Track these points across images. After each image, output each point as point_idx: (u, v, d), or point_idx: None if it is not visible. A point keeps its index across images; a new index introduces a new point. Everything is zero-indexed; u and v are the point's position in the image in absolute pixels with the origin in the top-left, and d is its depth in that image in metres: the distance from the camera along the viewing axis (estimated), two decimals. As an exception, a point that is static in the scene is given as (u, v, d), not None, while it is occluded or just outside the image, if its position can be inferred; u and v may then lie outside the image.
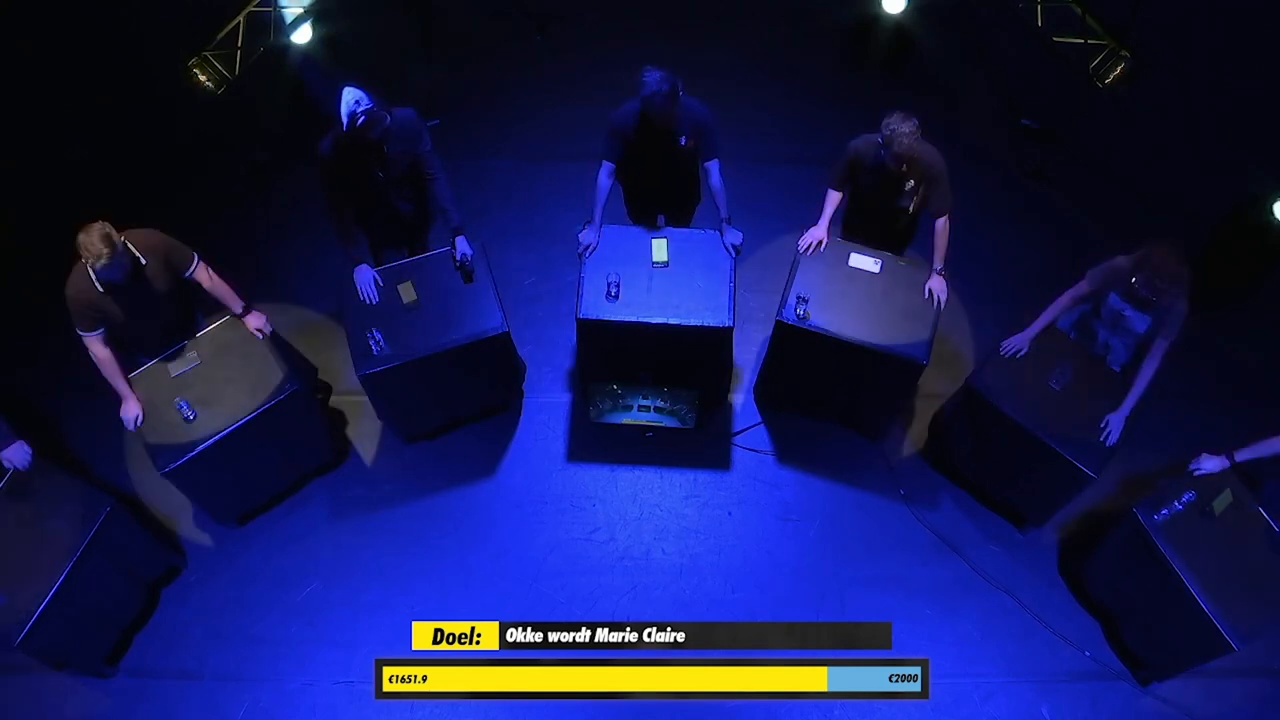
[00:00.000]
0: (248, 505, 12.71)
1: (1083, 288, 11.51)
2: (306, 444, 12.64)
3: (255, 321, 11.88)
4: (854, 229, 12.69)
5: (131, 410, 11.38)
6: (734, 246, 12.21)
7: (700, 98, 11.66)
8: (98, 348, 11.08)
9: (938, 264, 12.06)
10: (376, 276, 11.99)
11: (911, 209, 12.15)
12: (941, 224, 12.03)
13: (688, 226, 12.86)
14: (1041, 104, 15.77)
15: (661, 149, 11.85)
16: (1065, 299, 11.68)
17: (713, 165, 11.99)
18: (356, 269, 11.94)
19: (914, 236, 12.74)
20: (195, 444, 11.26)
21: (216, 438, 11.32)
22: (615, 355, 12.56)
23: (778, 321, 12.03)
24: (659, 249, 12.23)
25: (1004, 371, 11.80)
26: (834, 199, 12.31)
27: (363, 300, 11.92)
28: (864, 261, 12.23)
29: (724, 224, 12.22)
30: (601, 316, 11.95)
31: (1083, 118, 15.14)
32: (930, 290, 12.03)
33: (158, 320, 11.47)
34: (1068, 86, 14.84)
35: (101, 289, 10.76)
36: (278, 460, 12.43)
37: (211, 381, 11.58)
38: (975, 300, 14.11)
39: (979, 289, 14.21)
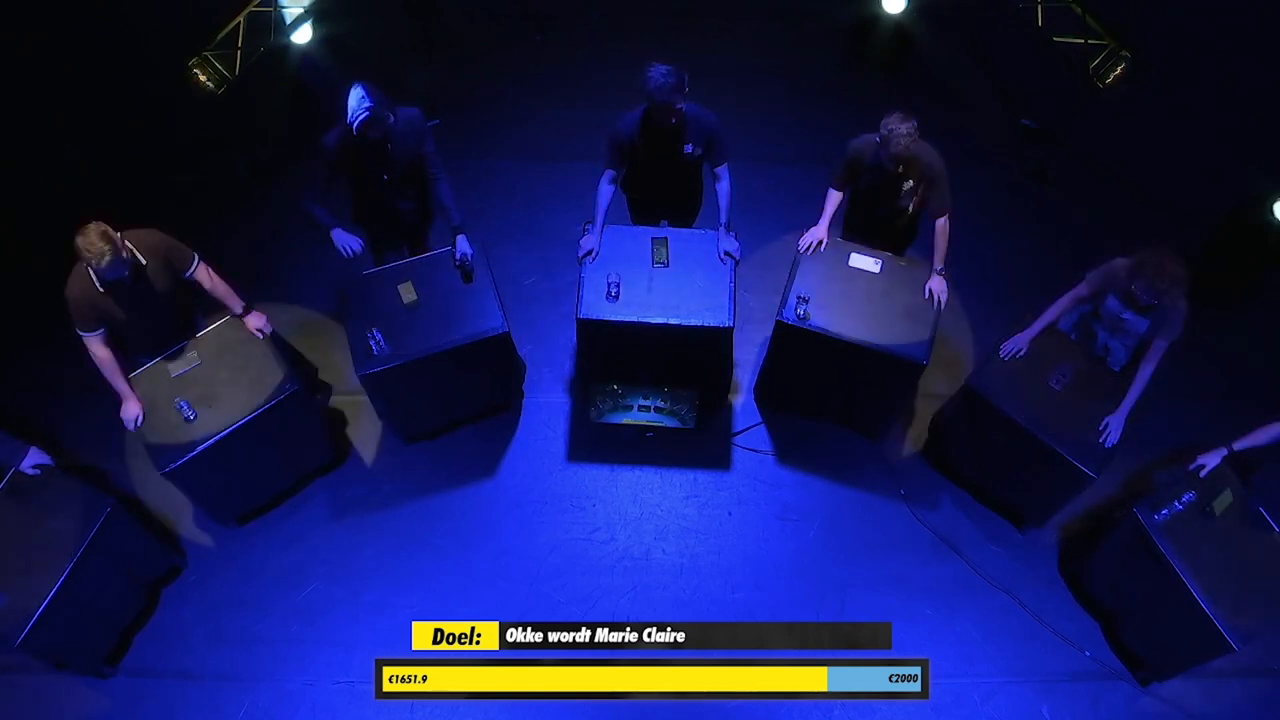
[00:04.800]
0: (248, 505, 12.66)
1: (1082, 289, 11.47)
2: (306, 444, 12.59)
3: (255, 322, 11.82)
4: (854, 229, 12.63)
5: (132, 410, 11.30)
6: (728, 254, 12.12)
7: (701, 98, 11.57)
8: (98, 348, 10.99)
9: (938, 264, 12.00)
10: (355, 239, 11.82)
11: (911, 209, 12.10)
12: (941, 224, 11.98)
13: (690, 226, 12.78)
14: (1041, 104, 15.78)
15: (667, 158, 11.85)
16: (1065, 300, 11.63)
17: (723, 170, 11.96)
18: (333, 230, 11.74)
19: (914, 236, 12.66)
20: (195, 444, 11.22)
21: (216, 438, 11.27)
22: (615, 355, 12.51)
23: (778, 321, 11.97)
24: (660, 250, 12.17)
25: (1004, 372, 11.75)
26: (834, 199, 12.25)
27: (343, 254, 11.74)
28: (864, 261, 12.18)
29: (722, 229, 12.14)
30: (602, 316, 11.85)
31: (1083, 118, 15.26)
32: (930, 290, 11.98)
33: (158, 320, 11.40)
34: (1068, 86, 14.77)
35: (102, 289, 10.68)
36: (278, 460, 12.37)
37: (212, 381, 11.54)
38: (975, 300, 14.08)
39: (979, 289, 14.19)
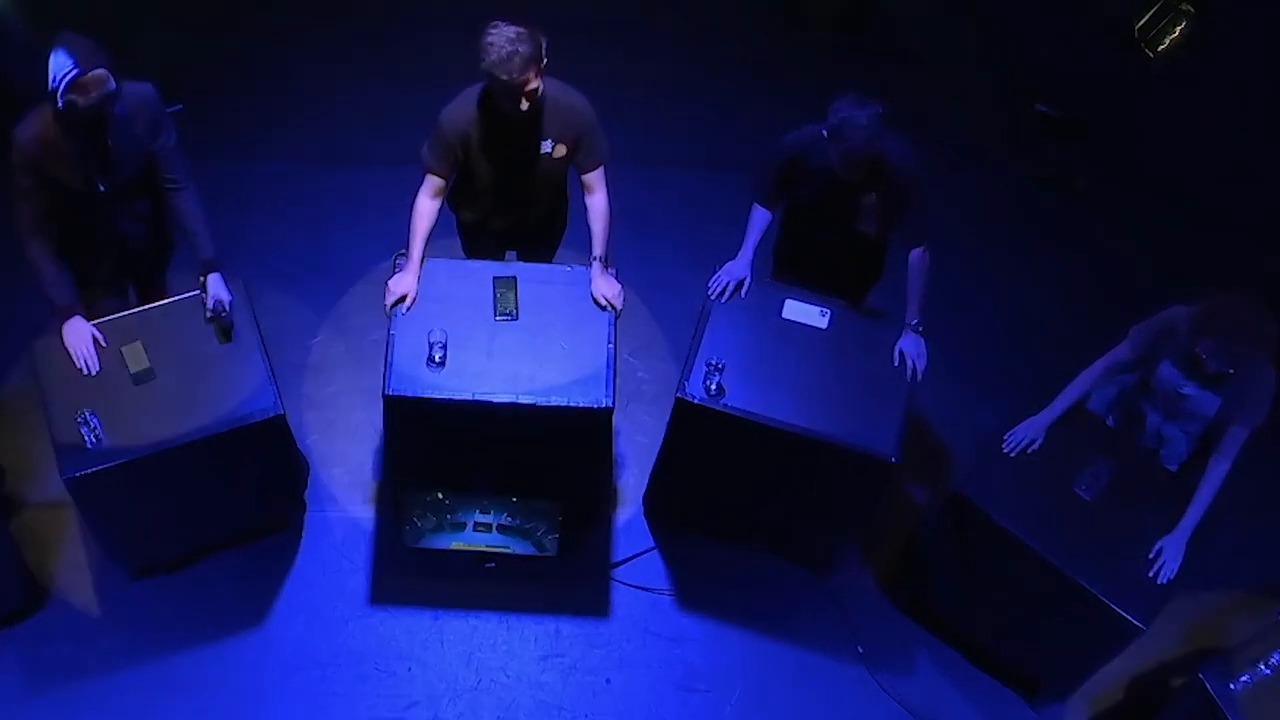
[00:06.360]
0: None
1: (1124, 352, 11.31)
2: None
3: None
4: (791, 263, 12.61)
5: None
6: (605, 299, 11.96)
7: (568, 75, 11.55)
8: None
9: (912, 316, 11.79)
10: (96, 333, 11.63)
11: (874, 235, 11.98)
12: (918, 258, 11.78)
13: (550, 261, 12.82)
14: (1065, 82, 16.03)
15: (515, 160, 11.70)
16: (1099, 368, 11.47)
17: (598, 178, 11.91)
18: (66, 322, 11.54)
19: (878, 275, 12.63)
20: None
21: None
22: (441, 449, 12.28)
23: (678, 400, 11.70)
24: (506, 295, 11.99)
25: (1009, 474, 11.55)
26: (762, 221, 12.15)
27: (79, 368, 11.49)
28: (805, 312, 12.04)
29: (595, 263, 12.04)
30: (420, 393, 11.55)
31: (1125, 101, 15.74)
32: (902, 354, 11.79)
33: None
34: (1104, 56, 14.98)
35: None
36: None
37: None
38: (967, 367, 14.09)
39: (973, 352, 14.21)
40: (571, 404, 11.61)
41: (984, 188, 15.45)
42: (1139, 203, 15.27)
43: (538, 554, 12.97)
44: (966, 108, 15.83)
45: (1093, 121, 15.56)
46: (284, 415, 11.76)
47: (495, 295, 12.04)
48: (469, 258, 12.73)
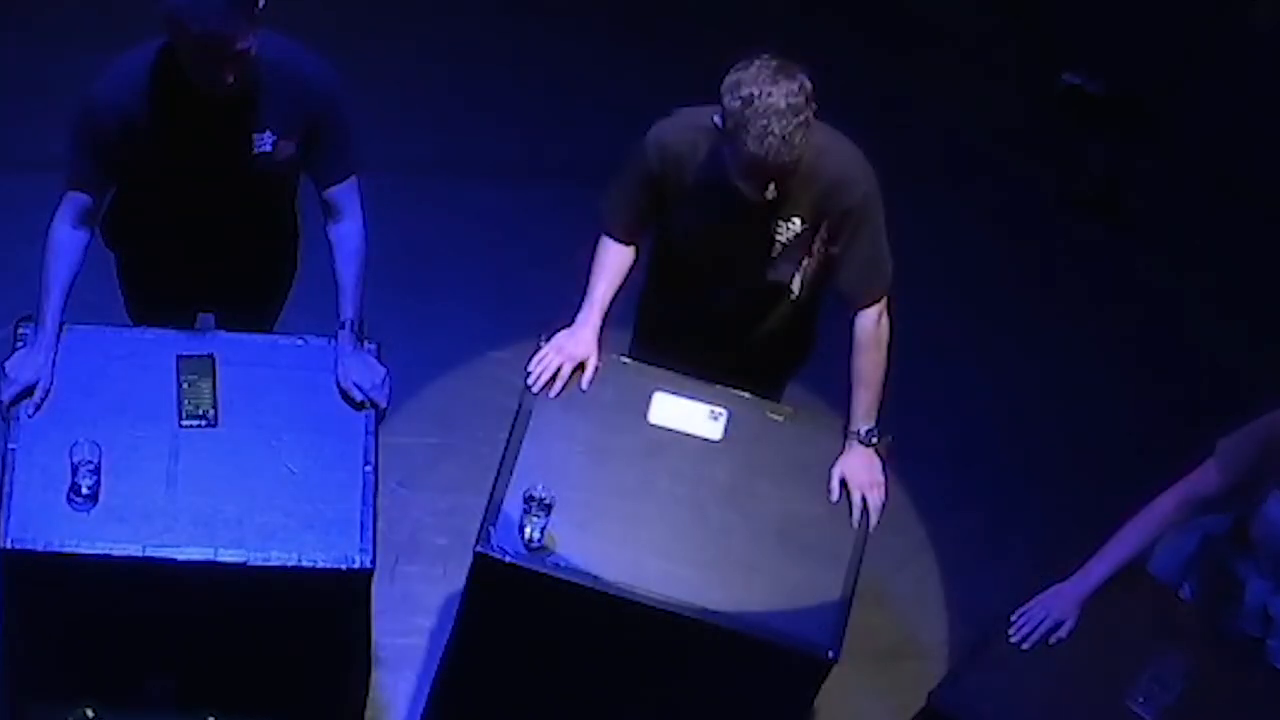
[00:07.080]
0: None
1: (1206, 482, 9.42)
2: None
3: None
4: (663, 334, 10.82)
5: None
6: (359, 391, 10.00)
7: (308, 35, 9.87)
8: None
9: (862, 420, 9.88)
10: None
11: (797, 286, 10.05)
12: (870, 323, 9.92)
13: (269, 330, 10.97)
14: (1109, 42, 15.28)
15: (211, 162, 9.86)
16: (1166, 507, 9.55)
17: (346, 194, 10.14)
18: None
19: (806, 352, 10.86)
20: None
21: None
22: (91, 638, 10.15)
23: (478, 557, 9.57)
24: (197, 385, 10.00)
25: (1019, 678, 9.63)
26: (616, 264, 10.30)
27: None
28: (685, 412, 10.11)
29: (344, 333, 10.15)
30: (56, 546, 9.44)
31: (1205, 76, 14.99)
32: (845, 483, 9.84)
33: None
34: (1166, 10, 14.26)
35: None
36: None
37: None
38: (954, 502, 12.85)
39: (965, 477, 13.04)
40: (304, 564, 9.61)
41: (989, 210, 14.39)
42: (1227, 234, 14.39)
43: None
44: (952, 81, 15.29)
45: (1154, 105, 14.65)
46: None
47: (180, 386, 10.05)
48: (137, 323, 10.85)
